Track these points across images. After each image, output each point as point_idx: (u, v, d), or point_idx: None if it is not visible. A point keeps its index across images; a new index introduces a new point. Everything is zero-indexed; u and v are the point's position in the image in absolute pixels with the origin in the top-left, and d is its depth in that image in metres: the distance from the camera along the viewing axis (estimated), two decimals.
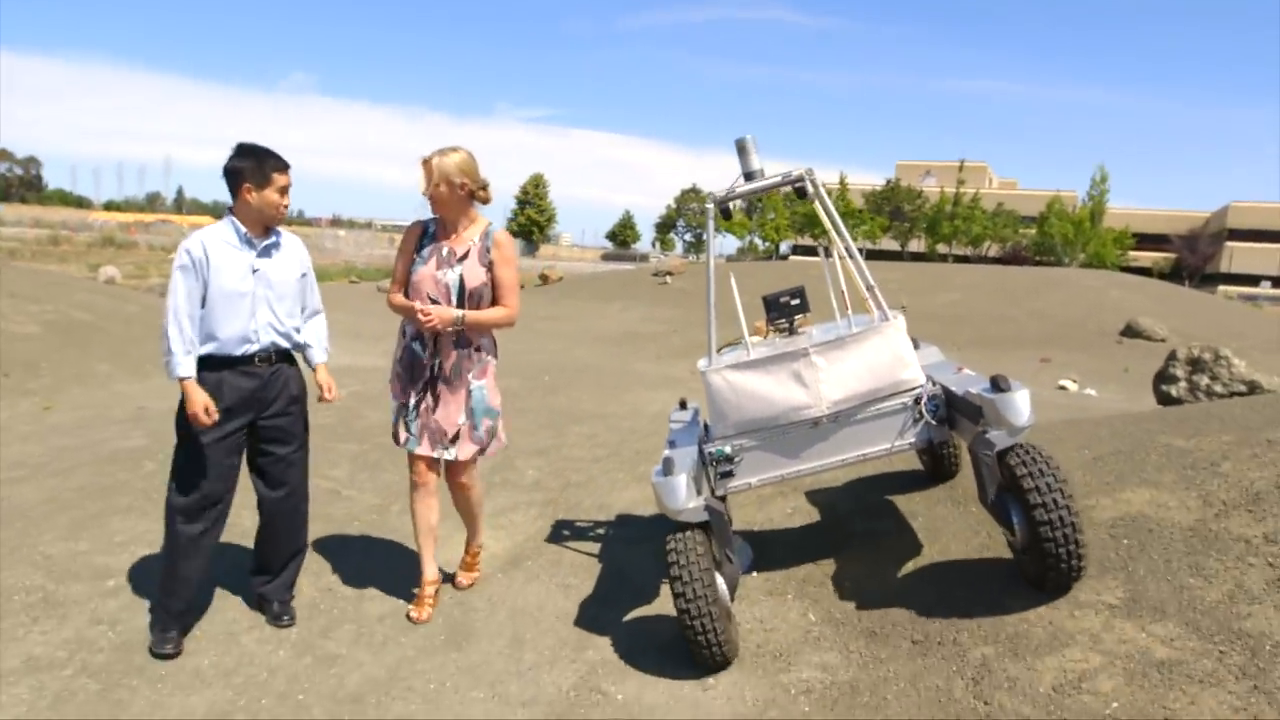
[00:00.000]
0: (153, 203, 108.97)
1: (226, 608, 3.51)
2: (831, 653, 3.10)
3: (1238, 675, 2.31)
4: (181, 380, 3.09)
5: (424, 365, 3.46)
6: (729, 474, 3.47)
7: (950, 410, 3.43)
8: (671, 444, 3.62)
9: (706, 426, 3.85)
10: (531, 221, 78.12)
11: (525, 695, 2.95)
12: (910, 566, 3.53)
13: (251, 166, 3.19)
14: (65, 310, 10.33)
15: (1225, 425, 3.96)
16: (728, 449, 3.46)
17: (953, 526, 3.73)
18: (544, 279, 25.98)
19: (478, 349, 3.49)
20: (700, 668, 3.03)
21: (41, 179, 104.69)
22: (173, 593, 3.21)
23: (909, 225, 57.97)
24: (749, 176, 3.64)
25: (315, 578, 3.82)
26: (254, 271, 3.25)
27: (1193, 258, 57.37)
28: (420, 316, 3.30)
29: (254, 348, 3.25)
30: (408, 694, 2.94)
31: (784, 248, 63.79)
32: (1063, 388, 11.48)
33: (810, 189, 3.53)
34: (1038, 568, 2.95)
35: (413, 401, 3.48)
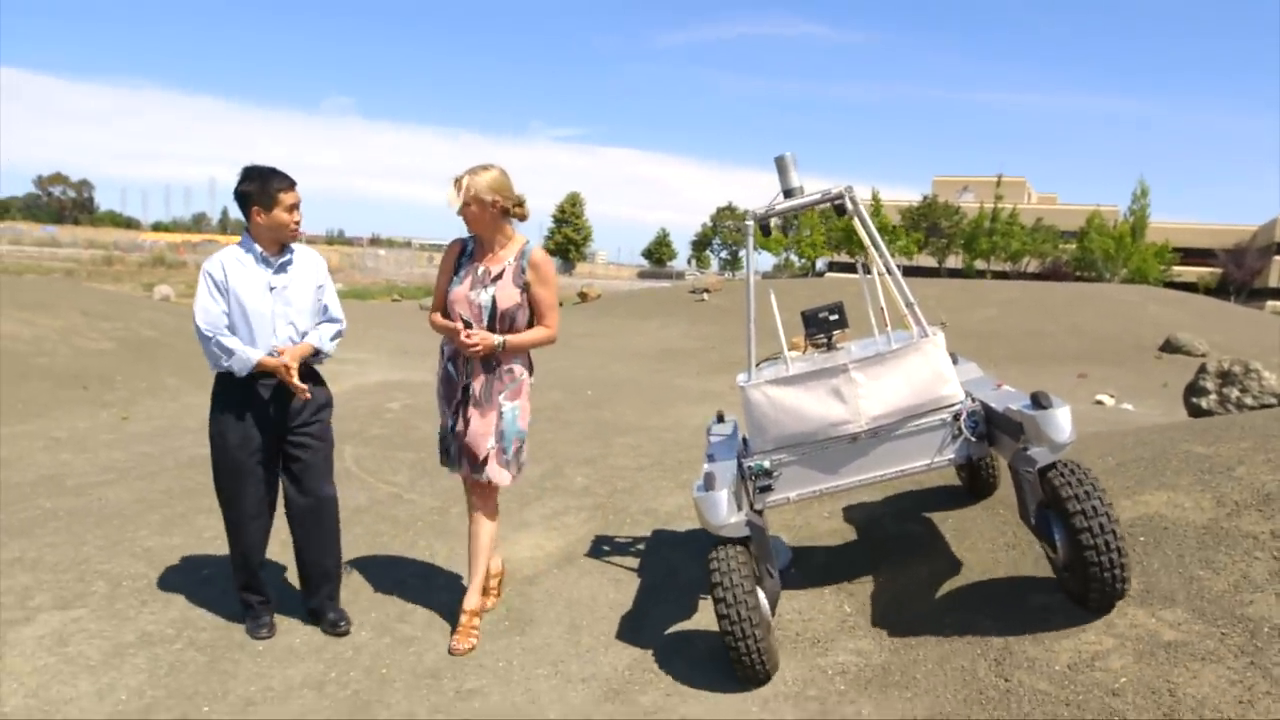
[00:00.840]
0: (199, 223, 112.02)
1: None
2: (866, 639, 3.36)
3: (1236, 654, 2.53)
4: (260, 363, 3.24)
5: (456, 386, 3.47)
6: (768, 488, 3.49)
7: (990, 427, 3.44)
8: (710, 458, 3.67)
9: (745, 440, 3.86)
10: (568, 240, 78.98)
11: (585, 673, 3.24)
12: (940, 563, 3.77)
13: (257, 189, 3.27)
14: (134, 328, 10.90)
15: (1245, 433, 4.15)
16: (766, 463, 3.48)
17: (980, 527, 3.96)
18: (582, 296, 26.41)
19: (509, 370, 3.46)
20: (742, 682, 3.10)
21: (93, 201, 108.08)
22: (249, 589, 3.50)
23: (946, 241, 57.71)
24: (788, 194, 3.67)
25: (387, 570, 4.16)
26: (271, 289, 3.34)
27: (1239, 272, 56.29)
28: (464, 340, 3.31)
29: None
30: (480, 670, 3.25)
31: (820, 264, 63.80)
32: (1100, 402, 11.54)
33: (849, 206, 3.57)
34: (1081, 585, 2.95)
35: (450, 423, 3.49)
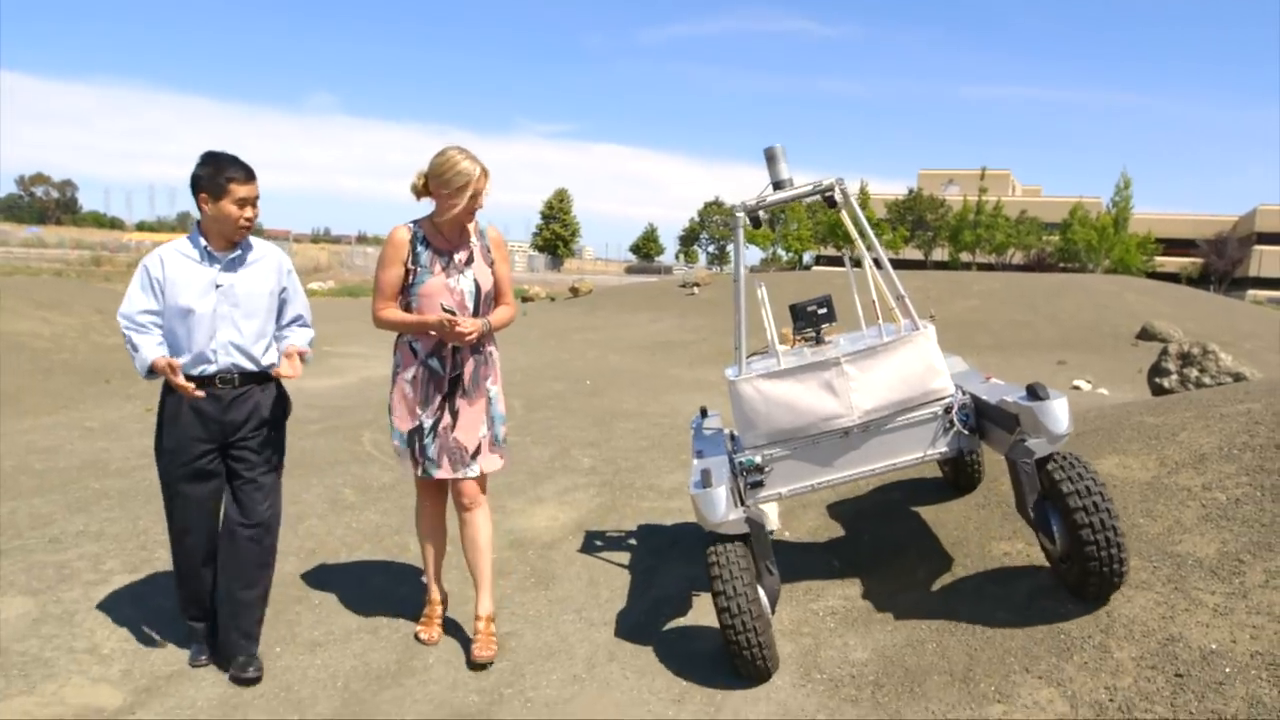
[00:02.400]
0: (183, 222, 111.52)
1: (359, 567, 4.26)
2: (852, 588, 3.80)
3: (1164, 582, 2.98)
4: (154, 363, 2.93)
5: (443, 380, 3.25)
6: (759, 484, 3.44)
7: (980, 419, 3.44)
8: (699, 454, 3.63)
9: (733, 436, 3.81)
10: (556, 236, 79.30)
11: (605, 618, 3.67)
12: (917, 523, 4.21)
13: (208, 175, 2.98)
14: None
15: (1191, 405, 4.61)
16: (758, 459, 3.42)
17: (955, 492, 4.41)
18: (574, 291, 26.80)
19: (490, 352, 3.37)
20: (743, 678, 3.07)
21: (77, 202, 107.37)
22: (192, 612, 3.24)
23: (932, 234, 58.42)
24: (778, 185, 3.60)
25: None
26: (216, 287, 3.04)
27: (1220, 262, 57.27)
28: (459, 331, 3.12)
29: (211, 368, 3.04)
30: (513, 617, 3.68)
31: (807, 258, 64.39)
32: (1076, 387, 12.04)
33: (840, 198, 3.53)
34: (1079, 575, 2.94)
35: (429, 422, 3.24)
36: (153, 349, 2.97)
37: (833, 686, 3.03)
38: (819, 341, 3.84)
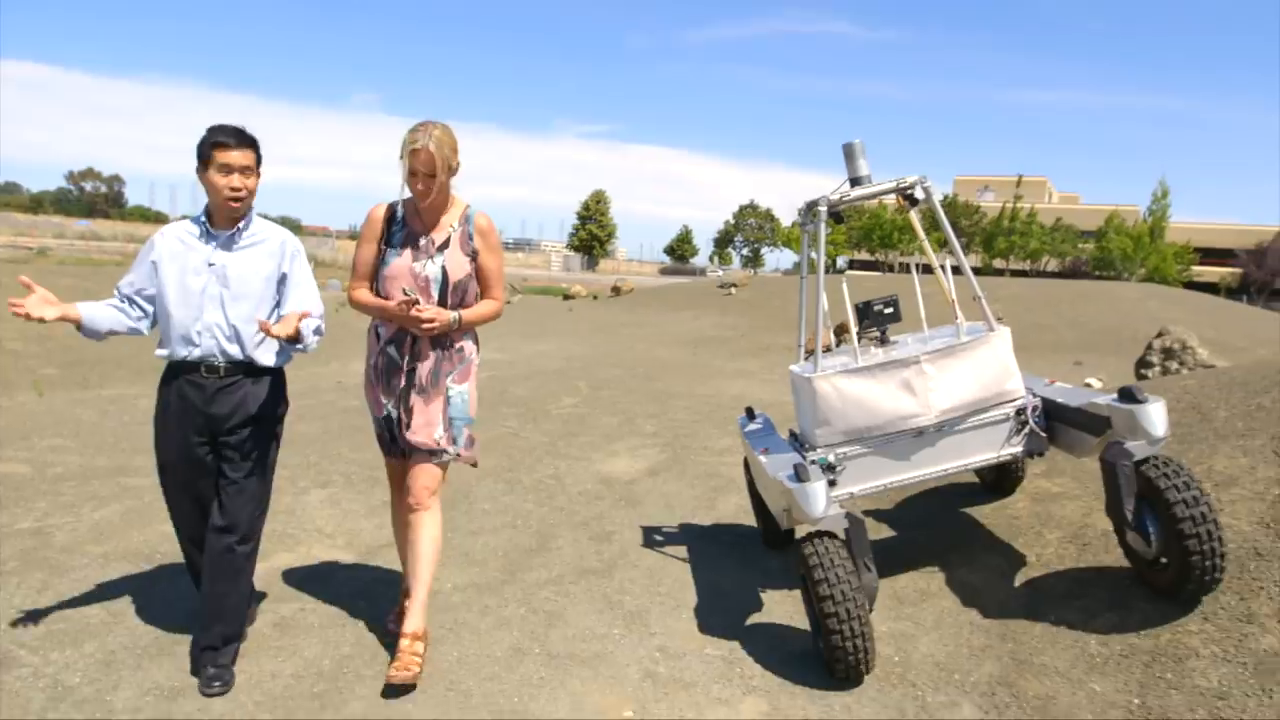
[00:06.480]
0: None
1: (485, 489, 5.53)
2: (887, 532, 5.01)
3: (1089, 495, 4.15)
4: (65, 313, 2.79)
5: (401, 372, 3.07)
6: (830, 483, 3.36)
7: (1049, 421, 3.48)
8: (765, 451, 3.62)
9: (792, 434, 3.85)
10: (593, 236, 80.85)
11: (683, 527, 4.92)
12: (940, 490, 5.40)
13: (199, 143, 2.84)
14: None
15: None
16: (831, 458, 3.38)
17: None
18: (616, 290, 28.17)
19: (459, 349, 3.12)
20: (840, 680, 3.00)
21: (123, 196, 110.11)
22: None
23: (966, 240, 58.99)
24: (855, 182, 3.55)
25: (518, 481, 5.84)
26: (210, 265, 2.89)
27: (1260, 273, 56.94)
28: (415, 315, 2.92)
29: (196, 352, 2.89)
30: (614, 523, 4.93)
31: (841, 262, 65.20)
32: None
33: (923, 195, 3.51)
34: (1177, 577, 2.95)
35: (395, 413, 3.08)
36: (89, 305, 2.89)
37: None
38: (884, 341, 3.85)
